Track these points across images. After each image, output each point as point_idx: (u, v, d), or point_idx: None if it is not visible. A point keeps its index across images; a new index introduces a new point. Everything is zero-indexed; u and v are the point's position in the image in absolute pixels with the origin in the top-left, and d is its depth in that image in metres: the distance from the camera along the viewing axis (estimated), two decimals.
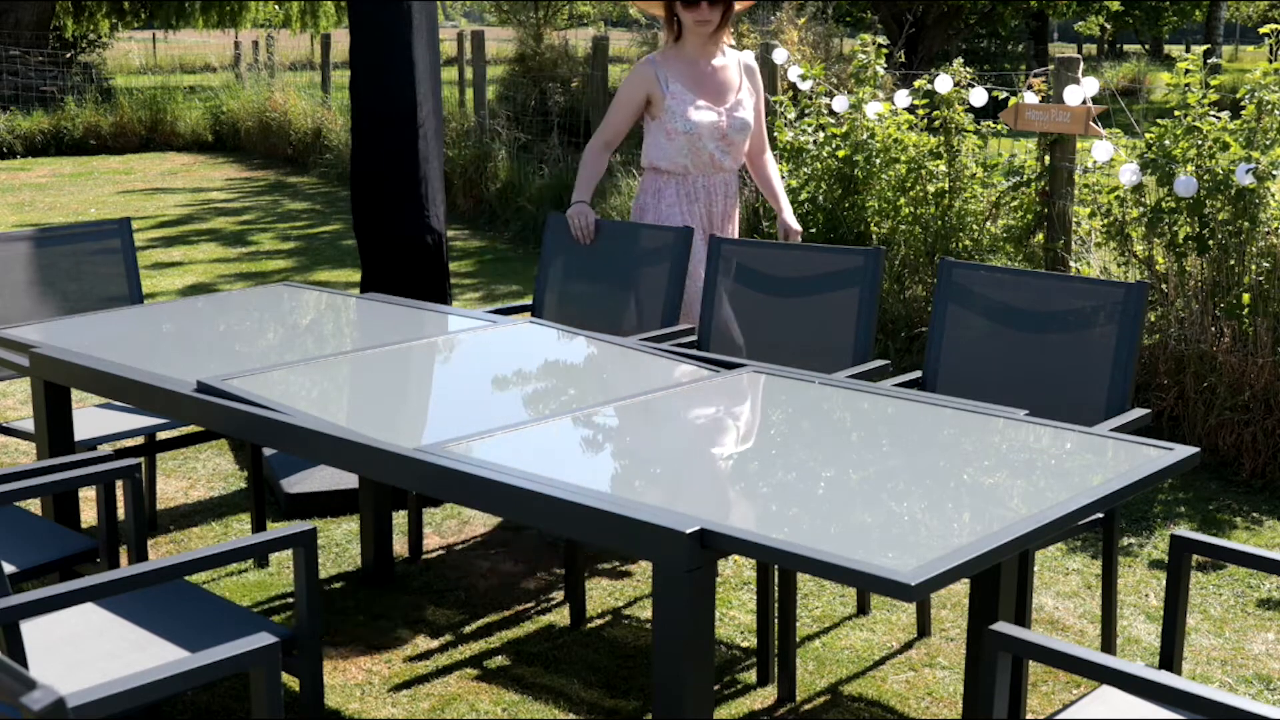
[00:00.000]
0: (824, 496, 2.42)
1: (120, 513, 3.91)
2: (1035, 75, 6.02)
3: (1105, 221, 5.44)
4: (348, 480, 4.46)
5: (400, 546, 4.18)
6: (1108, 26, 34.52)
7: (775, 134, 7.14)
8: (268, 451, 4.61)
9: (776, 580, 3.31)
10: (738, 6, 4.41)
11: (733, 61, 4.45)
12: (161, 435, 4.20)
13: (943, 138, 6.33)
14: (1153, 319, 5.21)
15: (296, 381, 3.14)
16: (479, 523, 4.38)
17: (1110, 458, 2.58)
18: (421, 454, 2.55)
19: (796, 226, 4.44)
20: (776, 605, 3.31)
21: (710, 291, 4.08)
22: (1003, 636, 2.05)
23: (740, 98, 4.41)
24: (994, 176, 6.24)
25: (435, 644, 3.56)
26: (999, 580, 2.51)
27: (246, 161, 15.64)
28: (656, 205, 4.43)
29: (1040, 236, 5.90)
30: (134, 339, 3.65)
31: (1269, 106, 5.01)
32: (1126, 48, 40.02)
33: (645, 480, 2.54)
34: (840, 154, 6.64)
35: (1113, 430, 2.86)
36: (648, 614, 3.73)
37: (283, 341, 3.71)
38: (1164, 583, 3.56)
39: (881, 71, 6.77)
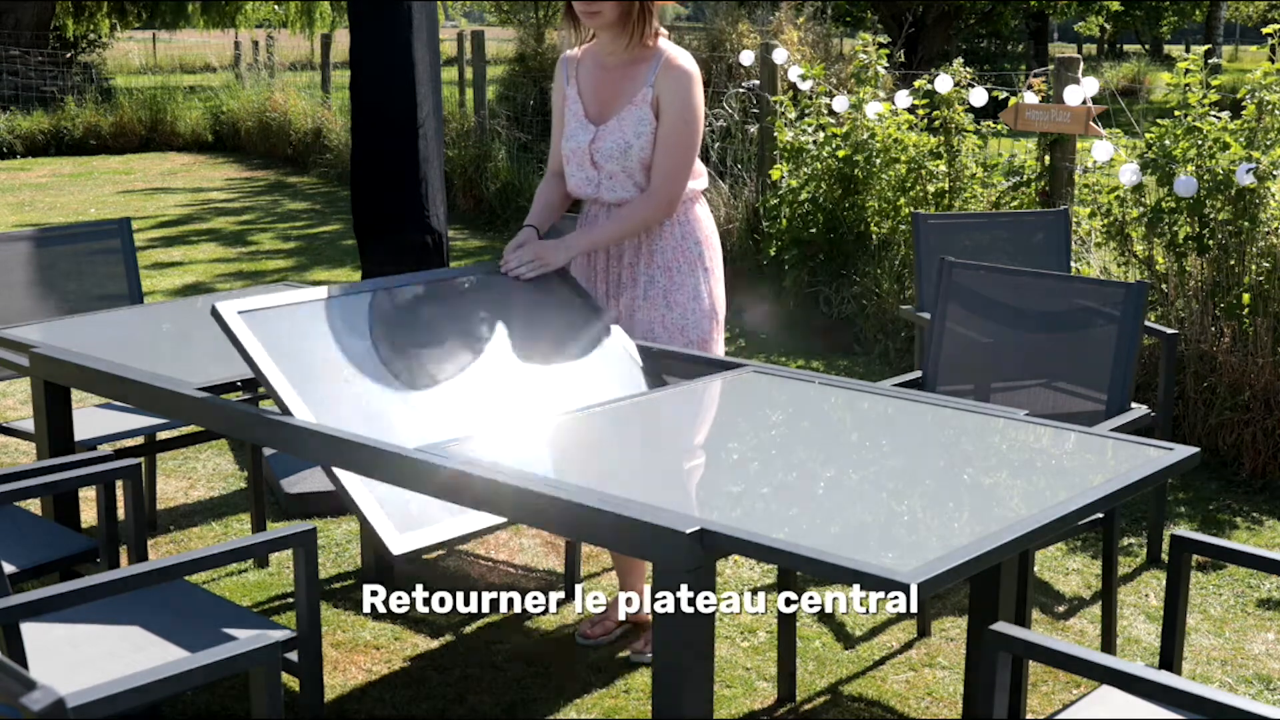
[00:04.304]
0: (824, 496, 2.41)
1: (120, 513, 3.91)
2: (1035, 75, 6.02)
3: (1105, 221, 5.45)
4: None
5: None
6: (1108, 26, 34.52)
7: (775, 134, 7.16)
8: (268, 451, 4.61)
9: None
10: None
11: (651, 65, 3.23)
12: (161, 435, 4.20)
13: (943, 138, 6.34)
14: (1153, 319, 5.21)
15: None
16: None
17: (1110, 458, 2.58)
18: (421, 454, 2.55)
19: (530, 256, 3.22)
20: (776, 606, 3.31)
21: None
22: (1003, 636, 2.05)
23: (630, 111, 3.24)
24: (994, 176, 6.25)
25: (435, 644, 3.56)
26: (999, 580, 2.51)
27: (246, 161, 15.63)
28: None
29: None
30: (134, 339, 3.64)
31: (1269, 106, 5.01)
32: (1126, 48, 40.02)
33: (645, 480, 2.54)
34: (840, 154, 6.65)
35: (1114, 430, 2.86)
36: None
37: None
38: (1164, 583, 3.56)
39: (882, 71, 6.78)
